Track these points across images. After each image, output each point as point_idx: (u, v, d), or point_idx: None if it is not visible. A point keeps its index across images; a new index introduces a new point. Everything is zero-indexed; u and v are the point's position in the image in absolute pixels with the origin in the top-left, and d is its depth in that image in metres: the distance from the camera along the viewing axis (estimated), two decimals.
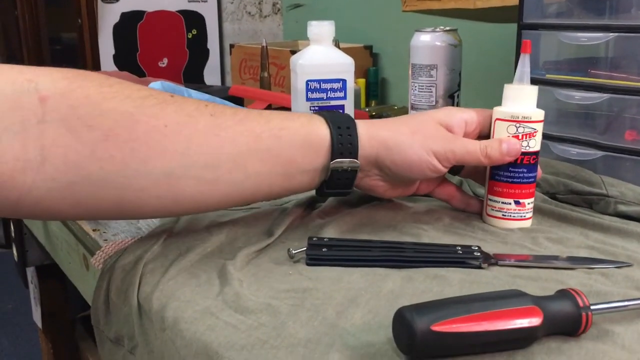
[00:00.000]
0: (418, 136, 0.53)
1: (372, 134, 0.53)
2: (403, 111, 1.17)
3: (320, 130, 0.51)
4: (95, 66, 1.82)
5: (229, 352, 0.37)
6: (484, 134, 0.58)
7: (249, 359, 0.36)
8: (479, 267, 0.49)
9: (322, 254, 0.49)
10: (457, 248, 0.50)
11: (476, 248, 0.50)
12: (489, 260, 0.49)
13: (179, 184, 0.46)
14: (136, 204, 0.47)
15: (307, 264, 0.49)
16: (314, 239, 0.51)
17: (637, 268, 0.49)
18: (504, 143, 0.54)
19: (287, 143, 0.50)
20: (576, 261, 0.49)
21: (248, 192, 0.51)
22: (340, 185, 0.54)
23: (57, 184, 0.43)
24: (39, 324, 1.22)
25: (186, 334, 0.40)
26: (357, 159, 0.52)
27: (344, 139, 0.51)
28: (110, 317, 0.49)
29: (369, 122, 0.55)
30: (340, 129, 0.51)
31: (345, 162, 0.51)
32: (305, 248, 0.49)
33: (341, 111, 0.58)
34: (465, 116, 0.56)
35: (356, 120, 0.53)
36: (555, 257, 0.50)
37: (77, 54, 1.91)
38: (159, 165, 0.45)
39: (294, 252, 0.49)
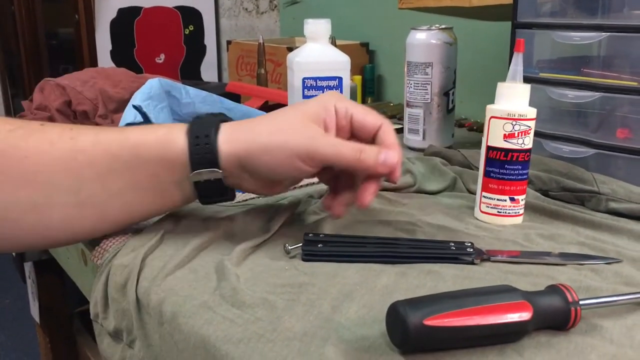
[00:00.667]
0: (278, 137, 0.49)
1: (233, 138, 0.49)
2: (399, 108, 1.18)
3: (177, 142, 0.49)
4: (93, 62, 1.83)
5: (226, 345, 0.38)
6: (358, 136, 0.53)
7: (246, 352, 0.37)
8: (472, 263, 0.49)
9: (317, 250, 0.50)
10: (451, 244, 0.51)
11: (469, 244, 0.51)
12: (482, 256, 0.50)
13: (46, 211, 0.48)
14: (14, 235, 0.49)
15: (303, 260, 0.49)
16: (310, 235, 0.51)
17: (627, 264, 0.50)
18: (383, 153, 0.49)
19: (144, 158, 0.49)
20: (567, 257, 0.50)
21: (120, 212, 0.51)
22: (212, 194, 0.52)
23: None
24: (37, 318, 1.23)
25: (184, 328, 0.41)
26: (218, 168, 0.49)
27: (200, 148, 0.49)
28: (108, 311, 0.50)
29: (234, 125, 0.51)
30: (198, 139, 0.49)
31: (203, 173, 0.49)
32: (301, 244, 0.50)
33: (229, 117, 0.54)
34: (347, 105, 0.52)
35: (222, 125, 0.50)
36: (547, 253, 0.51)
37: (74, 50, 1.92)
38: (25, 195, 0.47)
39: (290, 248, 0.50)
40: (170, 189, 0.51)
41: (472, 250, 0.50)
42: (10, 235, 0.49)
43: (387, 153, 0.49)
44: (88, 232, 0.51)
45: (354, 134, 0.53)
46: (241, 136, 0.50)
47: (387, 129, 0.52)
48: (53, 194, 0.48)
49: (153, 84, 0.74)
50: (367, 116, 0.52)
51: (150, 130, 0.51)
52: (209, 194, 0.52)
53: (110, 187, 0.49)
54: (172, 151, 0.49)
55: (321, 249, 0.50)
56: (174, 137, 0.49)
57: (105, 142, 0.49)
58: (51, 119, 0.85)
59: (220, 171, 0.49)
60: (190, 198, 0.52)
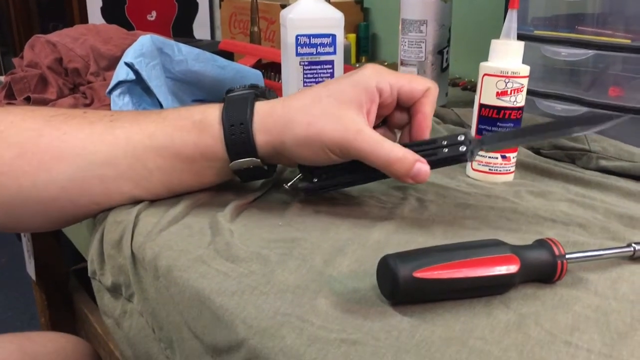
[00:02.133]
0: (312, 129, 0.47)
1: (268, 127, 0.48)
2: (394, 67, 1.18)
3: (212, 131, 0.49)
4: (83, 19, 1.80)
5: (220, 297, 0.39)
6: (403, 103, 0.51)
7: (240, 304, 0.38)
8: (468, 160, 0.48)
9: (314, 185, 0.51)
10: (443, 143, 0.48)
11: (462, 138, 0.48)
12: (479, 146, 0.49)
13: (84, 185, 0.49)
14: (59, 212, 0.50)
15: (304, 192, 0.52)
16: (305, 167, 0.51)
17: (614, 220, 0.51)
18: (416, 166, 0.46)
19: (180, 143, 0.49)
20: (568, 125, 0.49)
21: (160, 185, 0.50)
22: (252, 176, 0.52)
23: None
24: (33, 276, 1.24)
25: (179, 281, 0.42)
26: (255, 157, 0.49)
27: (237, 138, 0.48)
28: (105, 267, 0.51)
29: (269, 109, 0.49)
30: (233, 127, 0.48)
31: (244, 162, 0.49)
32: (299, 175, 0.52)
33: (261, 88, 0.53)
34: (390, 80, 0.49)
35: (257, 109, 0.49)
36: (547, 127, 0.51)
37: (64, 7, 1.88)
38: (61, 171, 0.48)
39: (288, 185, 0.52)
40: (208, 171, 0.51)
41: (466, 146, 0.48)
42: (49, 214, 0.50)
43: (420, 168, 0.46)
44: (126, 202, 0.51)
45: (400, 105, 0.51)
46: (277, 126, 0.48)
47: (433, 93, 0.50)
48: (88, 167, 0.48)
49: (145, 41, 0.74)
50: (414, 84, 0.50)
51: (187, 114, 0.50)
52: (249, 177, 0.52)
53: (147, 163, 0.49)
54: (207, 141, 0.49)
55: (316, 182, 0.51)
56: (209, 125, 0.49)
57: (143, 122, 0.50)
58: (42, 76, 0.84)
59: (259, 160, 0.49)
60: (229, 177, 0.52)
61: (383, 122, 0.53)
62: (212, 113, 0.49)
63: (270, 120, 0.48)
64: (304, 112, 0.48)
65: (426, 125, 0.50)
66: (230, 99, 0.50)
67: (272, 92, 0.55)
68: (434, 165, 0.48)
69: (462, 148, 0.48)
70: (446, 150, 0.48)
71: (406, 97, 0.50)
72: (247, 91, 0.51)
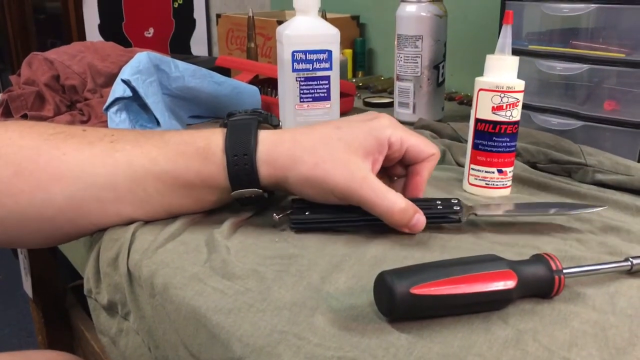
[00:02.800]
0: (318, 171, 0.47)
1: (272, 159, 0.48)
2: (390, 82, 1.18)
3: (215, 160, 0.48)
4: (81, 36, 1.81)
5: (217, 315, 0.38)
6: (407, 161, 0.52)
7: (236, 322, 0.37)
8: (459, 221, 0.50)
9: (305, 218, 0.50)
10: (437, 202, 0.51)
11: (456, 201, 0.51)
12: (470, 211, 0.50)
13: (82, 206, 0.49)
14: (56, 230, 0.50)
15: (291, 228, 0.50)
16: (297, 200, 0.51)
17: (611, 234, 0.50)
18: (415, 218, 0.48)
19: (182, 169, 0.48)
20: (550, 207, 0.52)
21: (160, 208, 0.50)
22: (254, 202, 0.51)
23: None
24: (30, 294, 1.23)
25: (175, 299, 0.42)
26: (258, 187, 0.49)
27: (240, 169, 0.48)
28: (101, 286, 0.50)
29: (274, 140, 0.49)
30: (236, 158, 0.47)
31: (246, 192, 0.49)
32: (289, 211, 0.50)
33: (264, 114, 0.53)
34: (402, 136, 0.50)
35: (260, 139, 0.48)
36: (534, 206, 0.52)
37: (62, 24, 1.89)
38: (59, 191, 0.48)
39: (277, 217, 0.50)
40: (209, 197, 0.51)
41: (458, 208, 0.50)
42: (45, 232, 0.50)
43: (418, 219, 0.48)
44: (123, 222, 0.51)
45: (402, 161, 0.52)
46: (283, 161, 0.48)
47: (435, 159, 0.52)
48: (88, 189, 0.48)
49: (142, 57, 0.74)
50: (422, 146, 0.51)
51: (190, 139, 0.49)
52: (249, 203, 0.52)
53: (147, 187, 0.49)
54: (209, 168, 0.48)
55: (308, 216, 0.50)
56: (212, 154, 0.48)
57: (145, 146, 0.49)
58: (39, 94, 0.84)
59: (261, 191, 0.49)
60: (229, 202, 0.52)
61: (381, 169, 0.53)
62: (216, 140, 0.49)
63: (275, 154, 0.48)
64: (312, 152, 0.47)
65: (422, 188, 0.53)
66: (233, 125, 0.50)
67: (274, 117, 0.54)
68: (429, 218, 0.50)
69: (456, 208, 0.50)
70: (440, 207, 0.50)
71: (412, 156, 0.51)
72: (249, 117, 0.51)
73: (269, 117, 0.53)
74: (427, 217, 0.49)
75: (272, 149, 0.48)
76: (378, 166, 0.50)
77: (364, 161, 0.48)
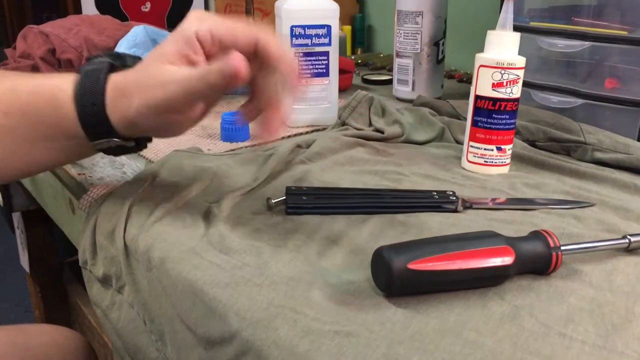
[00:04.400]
0: (143, 98, 0.44)
1: (118, 104, 0.45)
2: (389, 59, 1.17)
3: (67, 109, 0.45)
4: (77, 10, 1.78)
5: (214, 289, 0.38)
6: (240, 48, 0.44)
7: (233, 295, 0.37)
8: (455, 211, 0.50)
9: (301, 202, 0.50)
10: (434, 193, 0.51)
11: (451, 193, 0.51)
12: (465, 204, 0.51)
13: None
14: None
15: (287, 214, 0.49)
16: (293, 188, 0.51)
17: (609, 211, 0.50)
18: (224, 63, 0.42)
19: (34, 121, 0.46)
20: (543, 202, 0.51)
21: (16, 165, 0.48)
22: (119, 152, 0.49)
23: None
24: (27, 268, 1.23)
25: (172, 273, 0.41)
26: (115, 137, 0.46)
27: (91, 119, 0.45)
28: (97, 258, 0.50)
29: (120, 82, 0.46)
30: (85, 107, 0.45)
31: (103, 142, 0.47)
32: (284, 197, 0.50)
33: (122, 56, 0.50)
34: (210, 27, 0.44)
35: (109, 84, 0.45)
36: (526, 201, 0.52)
37: None
38: None
39: (273, 201, 0.50)
40: (73, 148, 0.48)
41: (454, 198, 0.50)
42: None
43: (228, 59, 0.42)
44: None
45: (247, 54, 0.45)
46: (123, 102, 0.45)
47: (266, 39, 0.44)
48: None
49: (138, 31, 0.73)
50: (237, 33, 0.44)
51: (40, 87, 0.46)
52: (116, 153, 0.50)
53: (5, 142, 0.46)
54: (63, 120, 0.46)
55: (305, 201, 0.50)
56: (64, 102, 0.46)
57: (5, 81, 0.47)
58: (35, 68, 0.83)
59: (118, 140, 0.47)
60: (95, 151, 0.49)
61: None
62: (67, 88, 0.46)
63: (119, 94, 0.45)
64: (138, 80, 0.45)
65: (278, 118, 0.46)
66: (85, 72, 0.47)
67: (136, 58, 0.51)
68: (425, 207, 0.50)
69: (452, 198, 0.51)
70: (437, 197, 0.51)
71: (231, 46, 0.44)
72: (101, 61, 0.48)
73: (126, 59, 0.51)
74: (423, 207, 0.50)
75: (118, 93, 0.45)
76: (203, 63, 0.45)
77: (179, 64, 0.44)
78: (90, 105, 0.45)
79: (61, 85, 0.46)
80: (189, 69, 0.44)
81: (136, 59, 0.50)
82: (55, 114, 0.46)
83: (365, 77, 1.05)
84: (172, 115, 0.45)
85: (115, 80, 0.46)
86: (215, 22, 0.45)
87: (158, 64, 0.44)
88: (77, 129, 0.46)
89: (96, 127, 0.46)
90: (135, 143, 0.50)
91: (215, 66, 0.42)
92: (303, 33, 0.70)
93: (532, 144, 0.66)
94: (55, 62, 0.85)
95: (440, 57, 0.88)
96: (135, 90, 0.45)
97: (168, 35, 0.46)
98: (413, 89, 0.88)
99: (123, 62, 0.49)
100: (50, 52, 0.84)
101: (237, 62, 0.42)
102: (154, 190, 0.52)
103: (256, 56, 0.44)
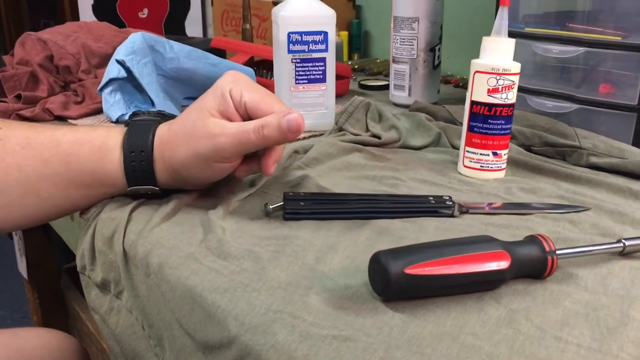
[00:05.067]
0: (190, 148, 0.47)
1: (164, 153, 0.48)
2: (385, 65, 1.18)
3: (112, 157, 0.48)
4: (74, 16, 1.79)
5: (212, 294, 0.39)
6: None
7: (232, 301, 0.38)
8: (451, 216, 0.50)
9: (299, 208, 0.50)
10: (430, 198, 0.52)
11: (448, 198, 0.52)
12: (461, 209, 0.51)
13: None
14: None
15: (285, 219, 0.49)
16: (290, 194, 0.51)
17: (604, 216, 0.51)
18: (284, 119, 0.46)
19: (76, 170, 0.48)
20: (538, 207, 0.52)
21: (51, 211, 0.50)
22: (148, 196, 0.52)
23: None
24: (25, 275, 1.23)
25: (170, 279, 0.42)
26: (154, 185, 0.49)
27: (137, 165, 0.48)
28: (96, 263, 0.50)
29: (168, 132, 0.49)
30: (133, 154, 0.48)
31: (142, 189, 0.50)
32: (281, 203, 0.50)
33: (168, 115, 0.53)
34: (242, 91, 0.48)
35: (157, 135, 0.49)
36: (522, 205, 0.52)
37: (55, 5, 1.87)
38: None
39: (270, 207, 0.50)
40: (102, 195, 0.51)
41: (451, 203, 0.51)
42: None
43: (289, 117, 0.46)
44: (14, 229, 0.51)
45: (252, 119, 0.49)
46: (167, 152, 0.48)
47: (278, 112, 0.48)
48: None
49: (136, 38, 0.73)
50: (261, 103, 0.48)
51: (85, 137, 0.49)
52: (142, 197, 0.52)
53: (40, 192, 0.48)
54: (106, 168, 0.48)
55: (303, 207, 0.50)
56: (109, 151, 0.48)
57: (36, 146, 0.48)
58: (33, 74, 0.84)
59: (157, 188, 0.49)
60: (123, 193, 0.52)
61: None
62: (115, 138, 0.49)
63: (166, 144, 0.48)
64: (183, 132, 0.48)
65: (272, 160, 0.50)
66: (134, 124, 0.50)
67: (168, 115, 0.54)
68: (422, 212, 0.51)
69: (449, 203, 0.51)
70: (433, 202, 0.51)
71: (252, 113, 0.48)
72: (151, 118, 0.51)
73: (165, 114, 0.54)
74: (420, 212, 0.50)
75: (165, 142, 0.49)
76: (237, 119, 0.48)
77: (220, 117, 0.48)
78: (139, 152, 0.48)
79: (109, 134, 0.49)
80: (237, 123, 0.47)
81: (168, 116, 0.53)
82: (99, 163, 0.48)
83: (362, 82, 1.05)
84: (219, 163, 0.48)
85: (161, 131, 0.49)
86: (248, 87, 0.49)
87: (202, 117, 0.47)
88: (118, 176, 0.49)
89: (139, 174, 0.48)
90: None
91: (272, 120, 0.46)
92: (300, 39, 0.71)
93: (528, 148, 0.66)
94: (53, 68, 0.85)
95: (436, 62, 0.89)
96: (182, 140, 0.48)
97: (207, 91, 0.49)
98: (409, 94, 0.89)
99: (163, 116, 0.53)
100: (48, 58, 0.85)
101: (297, 117, 0.46)
102: (152, 197, 0.52)
103: None
